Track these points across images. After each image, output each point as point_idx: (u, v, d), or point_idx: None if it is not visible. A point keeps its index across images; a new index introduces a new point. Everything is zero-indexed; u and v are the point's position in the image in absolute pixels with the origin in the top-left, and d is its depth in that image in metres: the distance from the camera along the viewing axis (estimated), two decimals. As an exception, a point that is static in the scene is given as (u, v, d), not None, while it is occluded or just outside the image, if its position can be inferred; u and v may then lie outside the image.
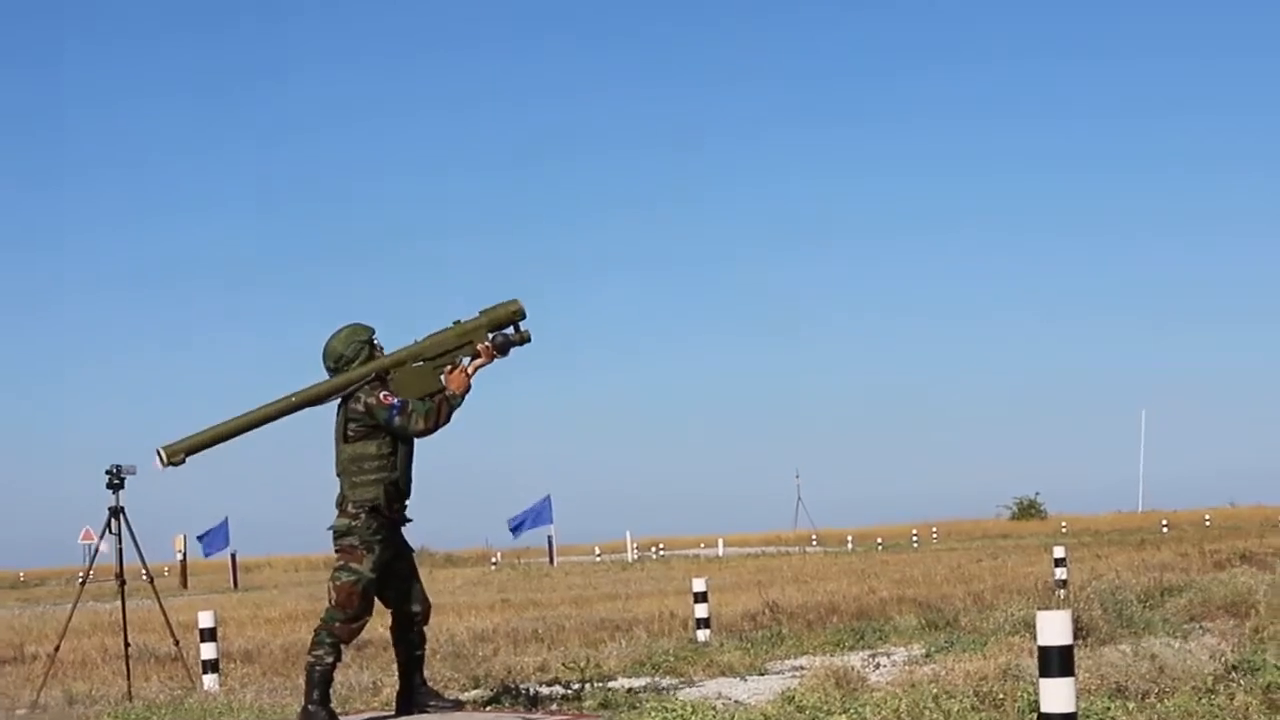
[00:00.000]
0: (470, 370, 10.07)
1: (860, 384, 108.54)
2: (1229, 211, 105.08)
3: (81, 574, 15.04)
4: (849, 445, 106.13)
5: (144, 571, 14.11)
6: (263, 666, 15.60)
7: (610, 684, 11.56)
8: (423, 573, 10.49)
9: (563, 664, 12.83)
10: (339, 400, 10.01)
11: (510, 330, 10.25)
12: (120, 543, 13.76)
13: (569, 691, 11.00)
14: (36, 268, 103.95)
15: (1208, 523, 59.21)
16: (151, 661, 16.27)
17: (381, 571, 9.92)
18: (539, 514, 54.73)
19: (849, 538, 63.14)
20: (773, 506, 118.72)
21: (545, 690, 11.25)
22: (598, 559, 55.58)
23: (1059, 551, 21.56)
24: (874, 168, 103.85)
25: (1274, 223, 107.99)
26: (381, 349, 10.18)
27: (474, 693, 11.61)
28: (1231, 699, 8.96)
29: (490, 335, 10.17)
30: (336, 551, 9.98)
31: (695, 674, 12.62)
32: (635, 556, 56.51)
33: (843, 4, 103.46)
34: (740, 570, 36.75)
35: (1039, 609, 7.57)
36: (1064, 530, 60.47)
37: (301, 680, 10.56)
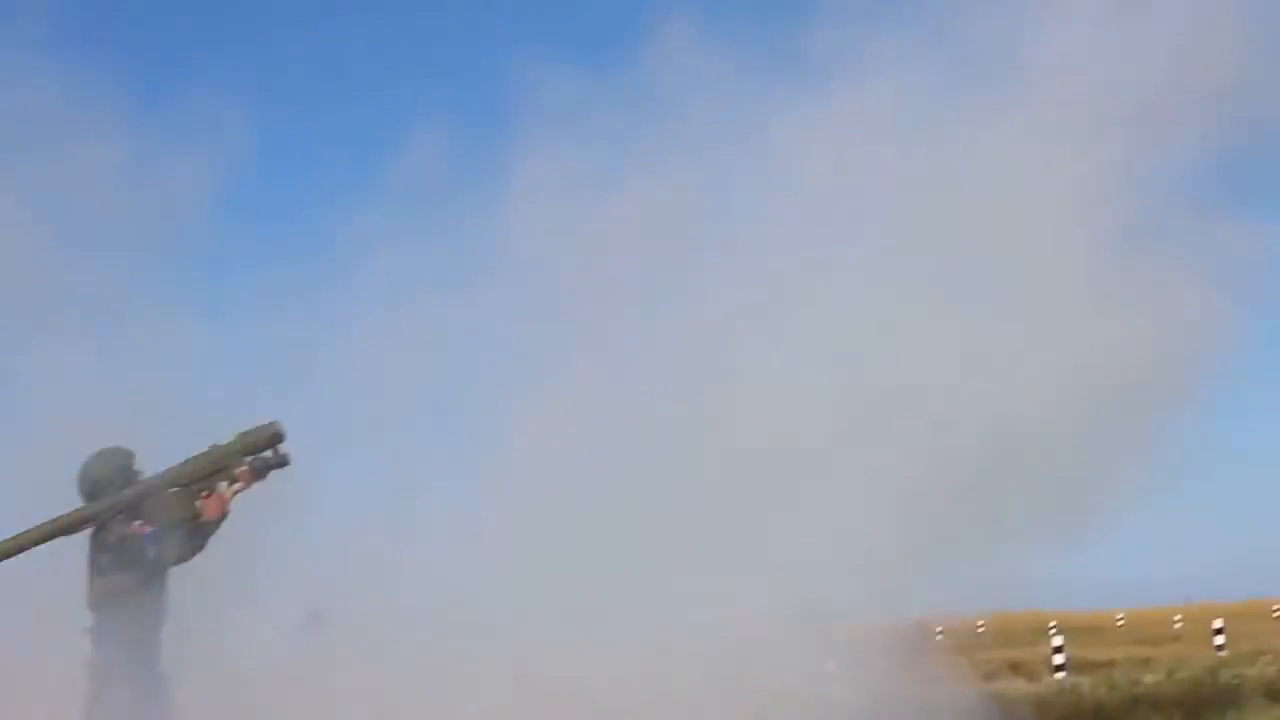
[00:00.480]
0: (228, 495, 9.90)
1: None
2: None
3: None
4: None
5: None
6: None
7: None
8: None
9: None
10: (91, 530, 9.77)
11: (269, 453, 10.13)
12: None
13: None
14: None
15: (981, 630, 59.38)
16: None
17: (140, 704, 9.68)
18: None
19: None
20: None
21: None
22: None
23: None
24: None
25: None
26: (140, 474, 9.96)
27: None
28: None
29: (248, 459, 10.04)
30: (91, 684, 9.69)
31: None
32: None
33: None
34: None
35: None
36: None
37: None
